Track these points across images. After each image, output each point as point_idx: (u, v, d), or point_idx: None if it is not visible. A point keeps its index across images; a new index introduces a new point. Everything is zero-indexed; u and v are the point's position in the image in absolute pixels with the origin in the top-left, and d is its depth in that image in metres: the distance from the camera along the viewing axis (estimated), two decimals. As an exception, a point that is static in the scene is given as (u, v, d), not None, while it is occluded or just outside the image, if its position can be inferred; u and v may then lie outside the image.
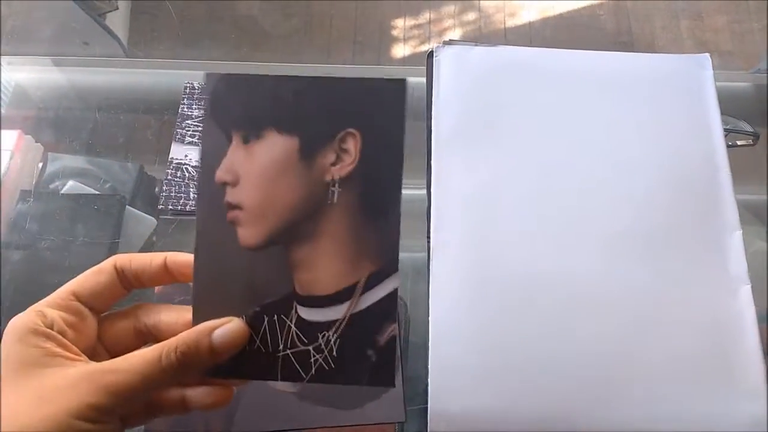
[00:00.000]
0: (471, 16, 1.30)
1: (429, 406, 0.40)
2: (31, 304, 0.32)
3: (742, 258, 0.44)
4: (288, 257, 0.33)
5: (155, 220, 0.59)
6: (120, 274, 0.34)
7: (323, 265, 0.33)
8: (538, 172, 0.47)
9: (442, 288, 0.43)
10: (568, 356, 0.42)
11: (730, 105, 0.62)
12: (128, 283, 0.34)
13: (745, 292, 0.43)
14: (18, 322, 0.31)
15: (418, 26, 1.25)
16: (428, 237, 0.45)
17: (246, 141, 0.33)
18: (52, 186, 0.60)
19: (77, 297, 0.33)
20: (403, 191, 0.50)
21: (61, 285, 0.33)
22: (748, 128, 0.60)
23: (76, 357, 0.31)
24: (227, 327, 0.32)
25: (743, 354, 0.42)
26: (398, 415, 0.46)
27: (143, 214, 0.60)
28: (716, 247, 0.44)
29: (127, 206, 0.59)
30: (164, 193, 0.56)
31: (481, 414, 0.40)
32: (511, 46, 0.51)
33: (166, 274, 0.35)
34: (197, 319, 0.32)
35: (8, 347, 0.30)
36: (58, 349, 0.30)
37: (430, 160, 0.47)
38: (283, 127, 0.33)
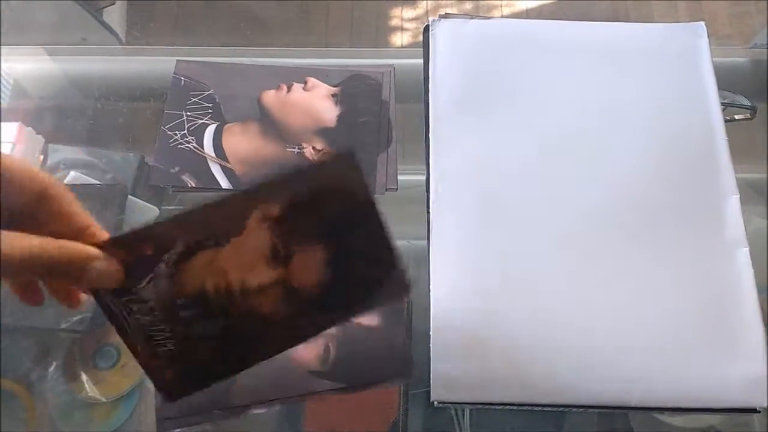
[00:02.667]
0: (468, 5, 1.31)
1: (431, 373, 0.41)
2: None
3: (740, 222, 0.44)
4: None
5: (157, 209, 0.59)
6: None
7: None
8: (535, 142, 0.47)
9: (442, 260, 0.44)
10: (568, 325, 0.42)
11: (727, 80, 0.62)
12: None
13: (743, 254, 0.43)
14: None
15: (415, 15, 1.25)
16: (427, 209, 0.45)
17: None
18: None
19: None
20: (403, 176, 0.51)
21: None
22: (746, 102, 0.60)
23: None
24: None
25: (742, 316, 0.42)
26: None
27: (145, 203, 0.60)
28: (713, 212, 0.45)
29: (129, 195, 0.59)
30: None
31: (482, 382, 0.41)
32: (507, 19, 0.51)
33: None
34: None
35: None
36: None
37: (428, 132, 0.47)
38: None
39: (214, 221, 0.34)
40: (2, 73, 0.67)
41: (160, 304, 0.35)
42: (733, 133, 0.56)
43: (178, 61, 0.58)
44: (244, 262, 0.35)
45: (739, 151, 0.60)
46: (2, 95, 0.66)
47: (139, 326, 0.35)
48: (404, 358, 0.45)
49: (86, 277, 0.32)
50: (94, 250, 0.32)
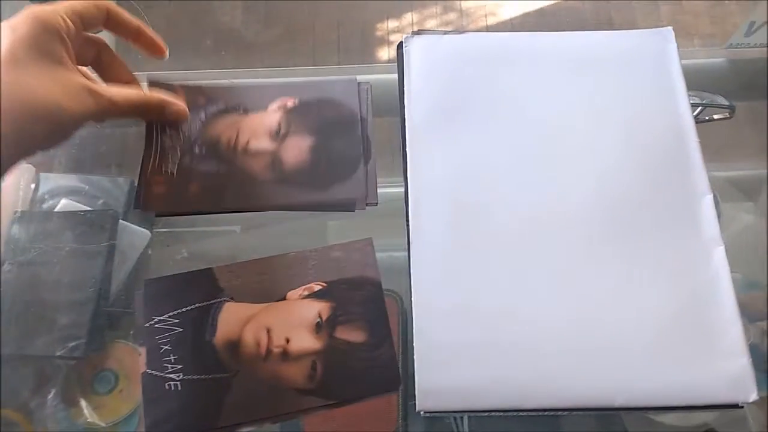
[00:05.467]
0: (452, 16, 1.32)
1: (416, 383, 0.41)
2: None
3: (714, 221, 0.45)
4: None
5: (149, 233, 0.59)
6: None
7: None
8: (511, 151, 0.48)
9: (422, 268, 0.44)
10: (546, 327, 0.42)
11: (705, 80, 0.62)
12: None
13: (719, 253, 0.44)
14: (44, 14, 0.39)
15: (400, 28, 1.26)
16: (407, 222, 0.46)
17: None
18: (45, 206, 0.60)
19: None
20: (384, 189, 0.52)
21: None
22: (725, 102, 0.61)
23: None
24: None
25: (721, 315, 0.42)
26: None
27: (136, 227, 0.60)
28: (688, 213, 0.45)
29: (120, 220, 0.59)
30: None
31: (467, 389, 0.41)
32: (479, 33, 0.52)
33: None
34: None
35: (34, 30, 0.38)
36: (66, 56, 0.40)
37: (405, 147, 0.48)
38: None
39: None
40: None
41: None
42: (715, 132, 0.57)
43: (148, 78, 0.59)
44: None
45: (723, 150, 0.61)
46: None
47: (165, 148, 0.52)
48: (391, 370, 0.45)
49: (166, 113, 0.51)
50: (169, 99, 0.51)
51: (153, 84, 0.54)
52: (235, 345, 0.45)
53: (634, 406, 0.41)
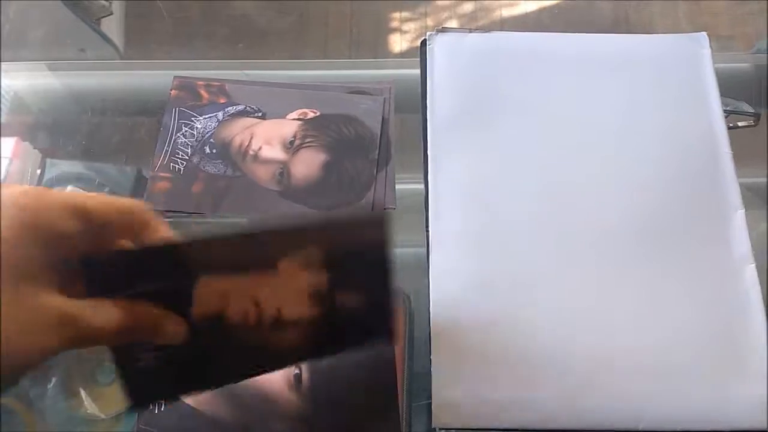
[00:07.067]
0: (467, 7, 1.30)
1: (433, 399, 0.40)
2: None
3: (746, 238, 0.44)
4: None
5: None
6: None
7: None
8: (536, 158, 0.47)
9: (442, 278, 0.43)
10: (572, 344, 0.41)
11: (729, 86, 0.61)
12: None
13: (750, 271, 0.43)
14: (36, 214, 0.29)
15: (414, 19, 1.24)
16: (426, 227, 0.45)
17: None
18: (51, 191, 0.60)
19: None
20: (401, 185, 0.50)
21: None
22: (749, 109, 0.59)
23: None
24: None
25: (749, 335, 0.41)
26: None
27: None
28: (719, 228, 0.44)
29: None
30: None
31: (485, 406, 0.40)
32: (506, 32, 0.50)
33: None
34: None
35: (14, 238, 0.28)
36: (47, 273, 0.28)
37: (427, 149, 0.47)
38: None
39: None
40: (2, 86, 0.67)
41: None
42: (735, 137, 0.56)
43: (175, 77, 0.58)
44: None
45: (741, 156, 0.59)
46: (2, 108, 0.66)
47: (177, 144, 0.45)
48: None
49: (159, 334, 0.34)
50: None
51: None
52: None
53: (657, 429, 0.40)
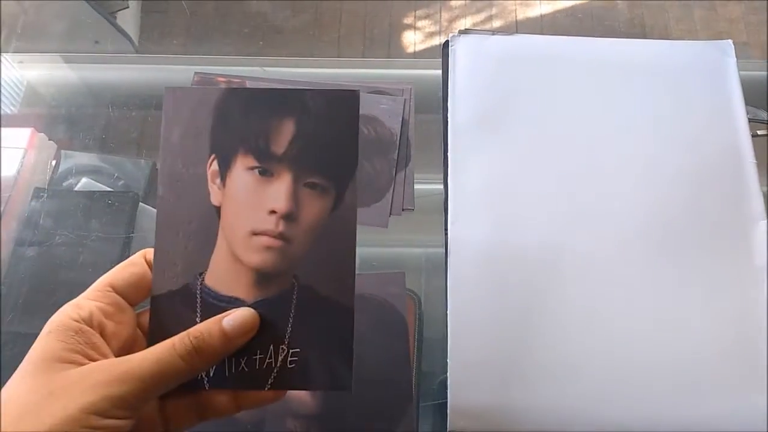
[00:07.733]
0: (482, 6, 1.30)
1: (449, 403, 0.40)
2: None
3: (766, 248, 0.43)
4: None
5: (168, 217, 0.58)
6: (150, 265, 0.34)
7: None
8: (556, 163, 0.46)
9: (460, 282, 0.43)
10: (589, 352, 0.41)
11: (748, 94, 0.60)
12: None
13: (771, 283, 0.42)
14: (55, 315, 0.30)
15: (428, 18, 1.24)
16: (445, 230, 0.45)
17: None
18: (65, 183, 0.60)
19: (114, 288, 0.32)
20: (420, 186, 0.50)
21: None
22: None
23: (101, 357, 0.30)
24: (236, 312, 0.32)
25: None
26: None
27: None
28: (741, 238, 0.44)
29: (140, 203, 0.59)
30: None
31: (501, 411, 0.40)
32: (529, 35, 0.50)
33: None
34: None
35: (38, 340, 0.29)
36: (82, 346, 0.29)
37: (447, 151, 0.47)
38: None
39: None
40: (13, 78, 0.67)
41: None
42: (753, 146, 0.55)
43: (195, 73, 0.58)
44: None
45: (759, 165, 0.59)
46: (7, 100, 0.66)
47: None
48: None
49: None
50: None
51: None
52: None
53: (673, 437, 0.39)
